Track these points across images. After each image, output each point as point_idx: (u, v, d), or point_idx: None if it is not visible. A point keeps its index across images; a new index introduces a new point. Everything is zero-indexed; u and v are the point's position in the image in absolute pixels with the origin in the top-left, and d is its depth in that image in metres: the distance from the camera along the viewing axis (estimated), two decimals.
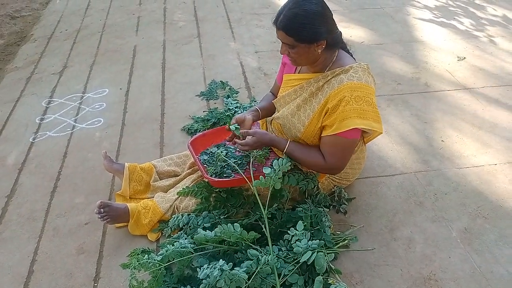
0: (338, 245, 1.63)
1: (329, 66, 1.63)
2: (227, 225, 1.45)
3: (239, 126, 1.71)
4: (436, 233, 1.77)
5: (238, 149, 1.83)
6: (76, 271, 1.70)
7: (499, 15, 3.85)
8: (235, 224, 1.46)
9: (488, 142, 2.27)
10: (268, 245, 1.51)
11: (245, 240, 1.50)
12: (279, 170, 1.50)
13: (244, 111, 2.50)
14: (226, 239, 1.50)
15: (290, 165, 1.55)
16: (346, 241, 1.67)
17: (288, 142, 1.68)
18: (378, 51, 3.23)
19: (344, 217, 1.85)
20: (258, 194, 1.59)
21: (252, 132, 1.68)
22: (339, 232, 1.74)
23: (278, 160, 1.56)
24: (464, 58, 3.12)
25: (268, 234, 1.50)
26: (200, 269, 1.41)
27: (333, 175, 1.83)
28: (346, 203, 1.88)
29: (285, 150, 1.67)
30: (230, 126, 1.69)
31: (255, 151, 1.79)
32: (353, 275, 1.61)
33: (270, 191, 1.55)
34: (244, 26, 3.73)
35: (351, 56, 1.71)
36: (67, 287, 1.64)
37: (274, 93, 2.00)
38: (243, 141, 1.67)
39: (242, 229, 1.47)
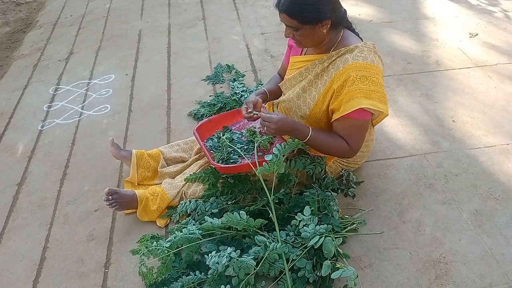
0: (347, 229, 1.62)
1: (334, 46, 1.60)
2: (233, 213, 1.45)
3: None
4: (446, 215, 1.75)
5: (259, 129, 1.78)
6: (87, 257, 1.73)
7: None
8: (241, 211, 1.46)
9: (500, 122, 2.22)
10: (275, 231, 1.50)
11: (252, 227, 1.49)
12: (281, 154, 1.48)
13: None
14: (233, 226, 1.50)
15: (290, 150, 1.52)
16: (355, 225, 1.66)
17: (311, 130, 1.57)
18: (387, 30, 3.15)
19: (352, 200, 1.84)
20: (265, 180, 1.58)
21: (275, 116, 1.56)
22: (347, 216, 1.72)
23: (280, 144, 1.53)
24: (477, 34, 3.03)
25: (275, 220, 1.50)
26: (208, 255, 1.42)
27: (349, 158, 1.78)
28: (354, 186, 1.87)
29: (308, 137, 1.56)
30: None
31: (259, 136, 1.77)
32: (362, 258, 1.60)
33: (275, 176, 1.54)
34: (249, 7, 3.66)
35: (357, 35, 1.66)
36: (78, 273, 1.67)
37: (281, 74, 1.96)
38: (267, 115, 1.55)
39: (248, 216, 1.46)
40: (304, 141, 1.57)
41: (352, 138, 1.58)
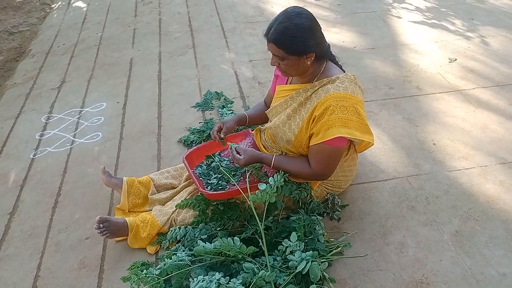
0: (332, 253, 1.68)
1: (317, 77, 1.69)
2: (227, 238, 1.50)
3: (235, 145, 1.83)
4: (428, 237, 1.81)
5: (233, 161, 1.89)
6: (78, 285, 1.75)
7: (491, 15, 3.89)
8: (235, 238, 1.51)
9: (479, 144, 2.31)
10: (262, 256, 1.55)
11: (244, 254, 1.54)
12: (275, 185, 1.55)
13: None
14: (225, 252, 1.54)
15: (283, 182, 1.62)
16: (340, 248, 1.71)
17: (274, 156, 1.75)
18: (370, 56, 3.28)
19: (337, 224, 1.90)
20: (254, 208, 1.64)
21: (242, 151, 1.76)
22: (332, 239, 1.78)
23: (273, 176, 1.63)
24: (456, 59, 3.16)
25: (265, 248, 1.53)
26: (194, 279, 1.46)
27: (320, 181, 1.87)
28: (339, 210, 1.92)
29: (272, 163, 1.74)
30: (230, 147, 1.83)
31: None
32: (347, 281, 1.65)
33: (266, 206, 1.59)
34: (238, 35, 3.79)
35: (340, 67, 1.77)
36: None
37: (267, 102, 2.06)
38: (237, 156, 1.76)
39: (241, 243, 1.51)
40: (271, 166, 1.76)
41: (319, 162, 1.68)
